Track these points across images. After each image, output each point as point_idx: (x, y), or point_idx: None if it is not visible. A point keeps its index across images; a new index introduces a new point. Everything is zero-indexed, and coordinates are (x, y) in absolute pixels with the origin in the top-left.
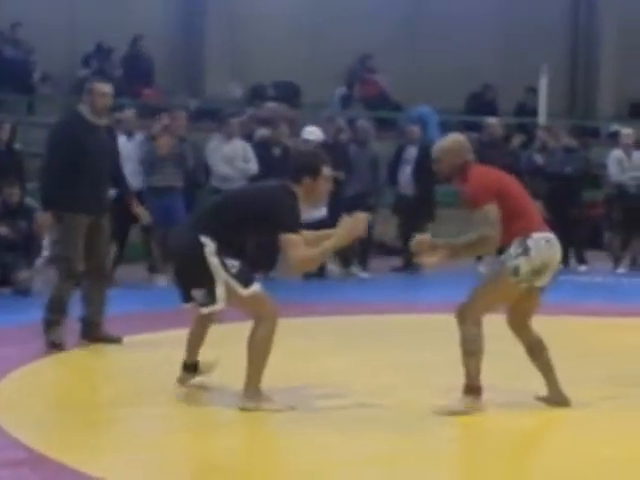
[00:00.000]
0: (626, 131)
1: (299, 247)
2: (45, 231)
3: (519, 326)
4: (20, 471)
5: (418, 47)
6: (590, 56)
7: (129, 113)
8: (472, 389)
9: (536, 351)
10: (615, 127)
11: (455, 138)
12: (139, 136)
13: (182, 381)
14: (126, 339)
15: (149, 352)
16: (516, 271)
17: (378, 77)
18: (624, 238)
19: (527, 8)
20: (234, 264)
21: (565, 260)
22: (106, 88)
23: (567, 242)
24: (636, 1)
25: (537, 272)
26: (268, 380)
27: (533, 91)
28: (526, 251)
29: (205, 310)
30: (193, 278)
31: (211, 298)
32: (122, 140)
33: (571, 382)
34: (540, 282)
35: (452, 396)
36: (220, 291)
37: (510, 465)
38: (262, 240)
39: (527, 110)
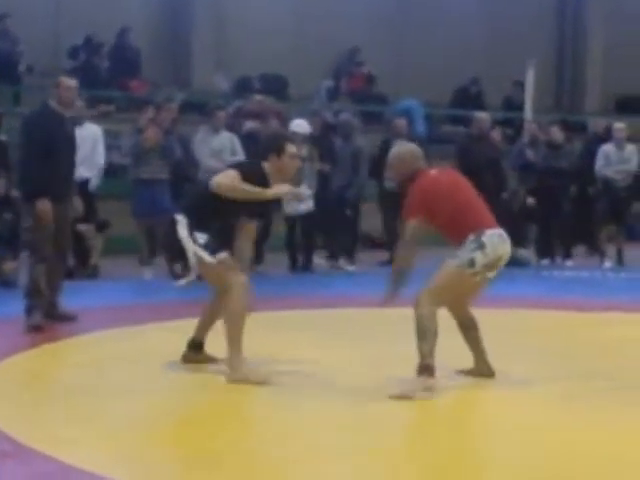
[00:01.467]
0: (619, 125)
1: (231, 176)
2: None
3: (457, 307)
4: (5, 463)
5: (405, 40)
6: (577, 51)
7: (78, 102)
8: (424, 368)
9: (467, 328)
10: (602, 122)
11: (404, 146)
12: (89, 125)
13: (185, 359)
14: (113, 331)
15: (135, 343)
16: (472, 263)
17: (365, 70)
18: (610, 233)
19: (514, 1)
20: (202, 236)
21: (551, 255)
22: (72, 82)
23: (554, 237)
24: None
25: (491, 265)
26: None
27: (520, 85)
28: (482, 246)
29: (182, 282)
30: (172, 254)
31: (187, 270)
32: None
33: (555, 376)
34: (492, 274)
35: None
36: (192, 261)
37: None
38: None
39: (514, 104)
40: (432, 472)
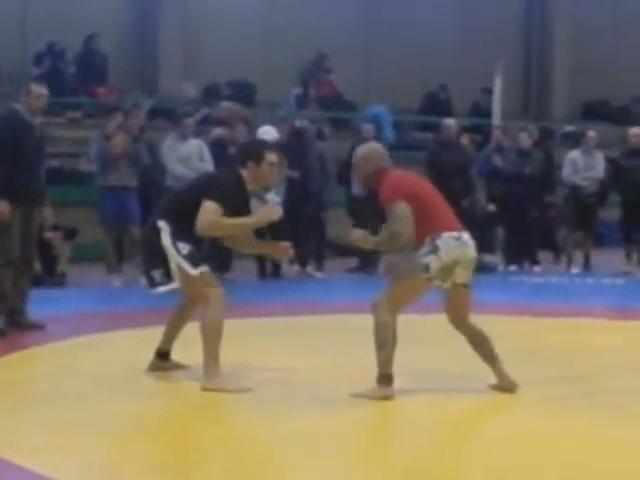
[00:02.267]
0: (591, 133)
1: (212, 213)
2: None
3: (458, 322)
4: None
5: (372, 47)
6: (544, 57)
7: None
8: (383, 377)
9: (477, 342)
10: (569, 128)
11: (370, 146)
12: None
13: (153, 367)
14: (81, 339)
15: (104, 351)
16: (426, 268)
17: (333, 77)
18: (577, 238)
19: (481, 9)
20: (185, 246)
21: (519, 261)
22: (42, 90)
23: (521, 243)
24: (589, 3)
25: (447, 269)
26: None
27: (488, 91)
28: (435, 250)
29: (162, 289)
30: (152, 260)
31: (168, 277)
32: None
33: (522, 381)
34: (459, 279)
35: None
36: (173, 270)
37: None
38: (217, 240)
39: (482, 111)
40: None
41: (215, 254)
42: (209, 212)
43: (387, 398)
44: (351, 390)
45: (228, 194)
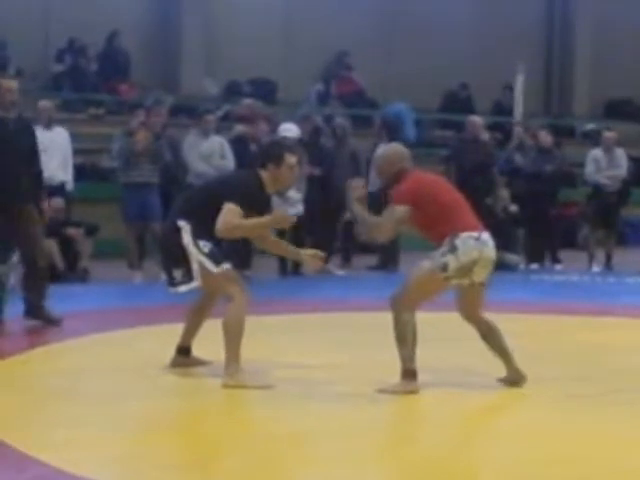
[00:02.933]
0: (609, 133)
1: (233, 215)
2: None
3: (468, 316)
4: None
5: (394, 45)
6: (565, 55)
7: (47, 104)
8: (406, 373)
9: (489, 336)
10: (591, 126)
11: (391, 147)
12: (58, 128)
13: (174, 363)
14: (102, 335)
15: (125, 348)
16: (444, 267)
17: (354, 74)
18: (599, 237)
19: (503, 6)
20: (206, 244)
21: (540, 259)
22: (12, 84)
23: (543, 241)
24: (611, 0)
25: (466, 268)
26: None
27: (509, 89)
28: (454, 249)
29: (183, 288)
30: (173, 259)
31: (188, 276)
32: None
33: (543, 380)
34: (477, 277)
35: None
36: (195, 269)
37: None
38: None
39: (503, 109)
40: (429, 475)
41: (236, 251)
42: (230, 214)
43: (412, 392)
44: (371, 387)
45: (249, 197)
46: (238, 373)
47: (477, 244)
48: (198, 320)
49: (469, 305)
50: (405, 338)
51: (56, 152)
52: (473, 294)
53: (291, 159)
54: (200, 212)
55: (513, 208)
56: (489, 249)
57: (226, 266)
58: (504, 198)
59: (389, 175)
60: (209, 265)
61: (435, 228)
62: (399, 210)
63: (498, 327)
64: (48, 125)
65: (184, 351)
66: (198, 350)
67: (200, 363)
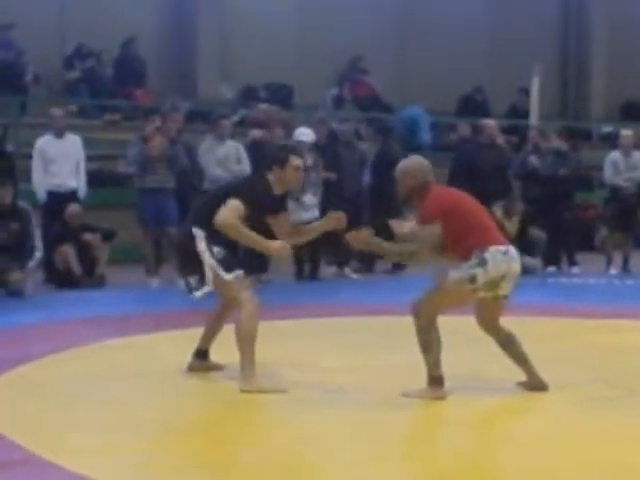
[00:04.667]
0: (626, 132)
1: (232, 211)
2: None
3: (488, 327)
4: (14, 472)
5: (409, 48)
6: (582, 57)
7: (59, 112)
8: (432, 379)
9: (507, 345)
10: (607, 129)
11: (415, 160)
12: (70, 136)
13: (192, 368)
14: (120, 340)
15: (142, 353)
16: (473, 279)
17: (369, 78)
18: (617, 240)
19: (518, 9)
20: (220, 251)
21: (557, 262)
22: None
23: (559, 244)
24: (627, 2)
25: (494, 282)
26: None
27: (525, 92)
28: (483, 263)
29: (198, 294)
30: (188, 266)
31: (202, 282)
32: (48, 139)
33: (561, 383)
34: (502, 291)
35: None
36: (208, 275)
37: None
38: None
39: (519, 112)
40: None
41: (253, 254)
42: (231, 211)
43: (439, 399)
44: (388, 390)
45: (254, 196)
46: (253, 377)
47: (505, 258)
48: (217, 325)
49: (490, 317)
50: (429, 345)
51: (68, 160)
52: (495, 307)
53: (295, 161)
54: (211, 218)
55: (537, 233)
56: (516, 264)
57: (237, 273)
58: (517, 202)
59: (410, 189)
60: (220, 272)
61: (462, 242)
62: (432, 229)
63: (515, 336)
64: (60, 134)
65: (202, 354)
66: (214, 354)
67: (217, 367)
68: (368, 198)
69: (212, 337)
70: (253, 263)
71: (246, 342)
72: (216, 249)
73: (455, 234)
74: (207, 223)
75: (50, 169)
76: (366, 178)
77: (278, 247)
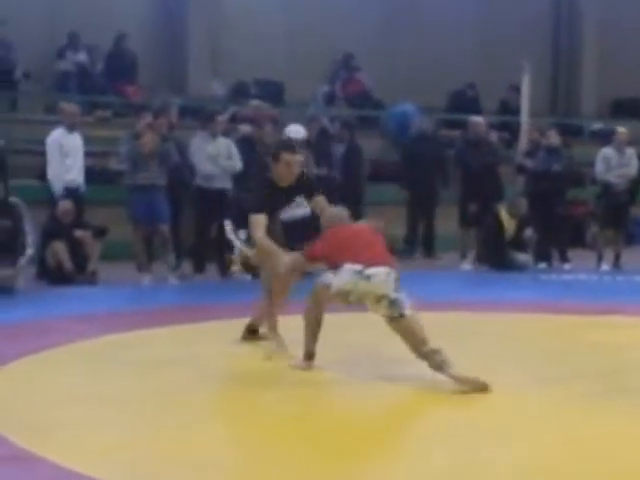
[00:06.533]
0: (621, 129)
1: (255, 227)
2: None
3: (415, 352)
4: (5, 468)
5: (398, 45)
6: (572, 54)
7: (73, 107)
8: (305, 355)
9: (440, 368)
10: (598, 125)
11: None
12: (56, 131)
13: (244, 338)
14: (112, 337)
15: (135, 349)
16: (328, 286)
17: (360, 75)
18: (608, 236)
19: (509, 5)
20: (243, 232)
21: (549, 259)
22: None
23: (550, 241)
24: None
25: (344, 294)
26: None
27: (516, 89)
28: (335, 275)
29: (235, 268)
30: (241, 219)
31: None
32: (62, 132)
33: (553, 379)
34: (379, 311)
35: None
36: (236, 255)
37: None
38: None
39: (510, 108)
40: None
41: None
42: (254, 227)
43: (304, 369)
44: (386, 383)
45: (261, 200)
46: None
47: (354, 276)
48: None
49: (403, 341)
50: (308, 324)
51: (77, 155)
52: (393, 329)
53: (286, 156)
54: (240, 214)
55: (528, 232)
56: (369, 284)
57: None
58: (522, 205)
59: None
60: (246, 249)
61: (332, 257)
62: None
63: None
64: (71, 129)
65: (252, 331)
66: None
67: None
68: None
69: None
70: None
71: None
72: (241, 231)
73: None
74: (235, 216)
75: (65, 163)
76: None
77: (296, 262)
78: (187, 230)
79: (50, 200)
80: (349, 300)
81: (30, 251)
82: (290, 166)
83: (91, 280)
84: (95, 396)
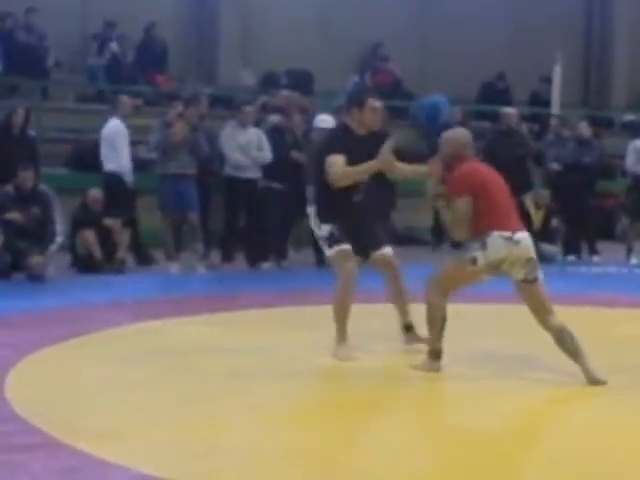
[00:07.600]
0: None
1: (333, 167)
2: None
3: (541, 321)
4: (35, 456)
5: (430, 35)
6: (604, 45)
7: (128, 100)
8: (431, 352)
9: (561, 340)
10: (629, 117)
11: (457, 131)
12: (113, 121)
13: (408, 341)
14: (140, 325)
15: (162, 337)
16: (474, 261)
17: (390, 65)
18: (638, 229)
19: None
20: (325, 227)
21: (578, 251)
22: None
23: (580, 233)
24: None
25: (493, 265)
26: None
27: (547, 81)
28: (483, 246)
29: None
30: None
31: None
32: (117, 123)
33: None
34: (515, 275)
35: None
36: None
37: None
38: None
39: (541, 100)
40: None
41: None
42: (332, 165)
43: (434, 371)
44: (404, 375)
45: (338, 144)
46: (342, 347)
47: (507, 243)
48: (399, 299)
49: (534, 308)
50: (433, 320)
51: (127, 145)
52: (521, 293)
53: (374, 102)
54: (319, 196)
55: (554, 222)
56: (520, 249)
57: (340, 246)
58: (545, 196)
59: (445, 156)
60: (325, 248)
61: (474, 222)
62: (462, 203)
63: (566, 332)
64: (125, 120)
65: (407, 329)
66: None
67: (419, 340)
68: None
69: (404, 310)
70: (359, 242)
71: (338, 314)
72: (323, 226)
73: (472, 213)
74: (314, 199)
75: (123, 152)
76: None
77: (384, 161)
78: (216, 219)
79: (107, 187)
80: (500, 269)
81: (60, 239)
82: (376, 112)
83: (119, 268)
84: (125, 383)
